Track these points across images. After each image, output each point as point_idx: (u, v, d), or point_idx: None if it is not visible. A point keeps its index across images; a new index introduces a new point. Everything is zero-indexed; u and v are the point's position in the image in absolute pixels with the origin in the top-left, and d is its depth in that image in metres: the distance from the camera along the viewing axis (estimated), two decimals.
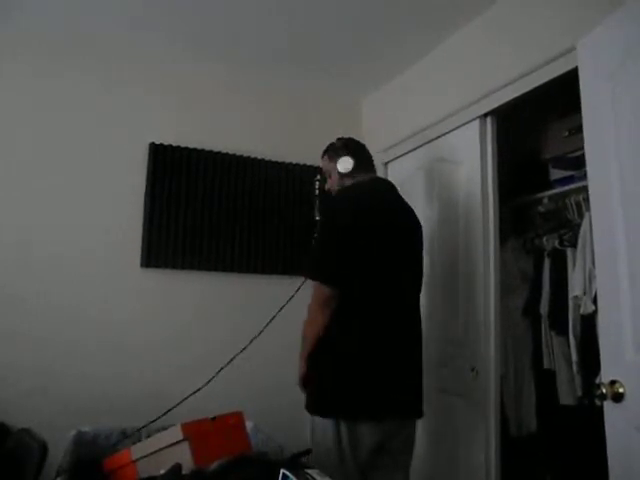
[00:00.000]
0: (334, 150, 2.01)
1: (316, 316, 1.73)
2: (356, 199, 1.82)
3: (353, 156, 1.94)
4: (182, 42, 2.63)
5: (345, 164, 1.93)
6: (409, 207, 1.98)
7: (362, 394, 1.70)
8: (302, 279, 1.92)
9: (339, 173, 1.95)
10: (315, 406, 1.75)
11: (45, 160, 2.55)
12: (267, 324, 1.93)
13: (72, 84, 2.63)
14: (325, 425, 1.69)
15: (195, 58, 2.78)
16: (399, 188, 1.99)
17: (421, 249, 1.97)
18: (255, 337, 1.93)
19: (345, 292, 1.71)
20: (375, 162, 2.08)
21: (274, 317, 1.93)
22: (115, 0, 2.27)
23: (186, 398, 1.79)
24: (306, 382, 1.79)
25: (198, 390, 1.81)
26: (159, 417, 1.70)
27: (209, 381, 1.86)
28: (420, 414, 1.85)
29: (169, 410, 1.73)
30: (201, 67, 2.86)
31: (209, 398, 1.92)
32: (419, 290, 1.95)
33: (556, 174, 2.61)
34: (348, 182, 1.94)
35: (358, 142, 2.06)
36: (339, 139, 2.05)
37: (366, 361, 1.71)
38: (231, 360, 1.91)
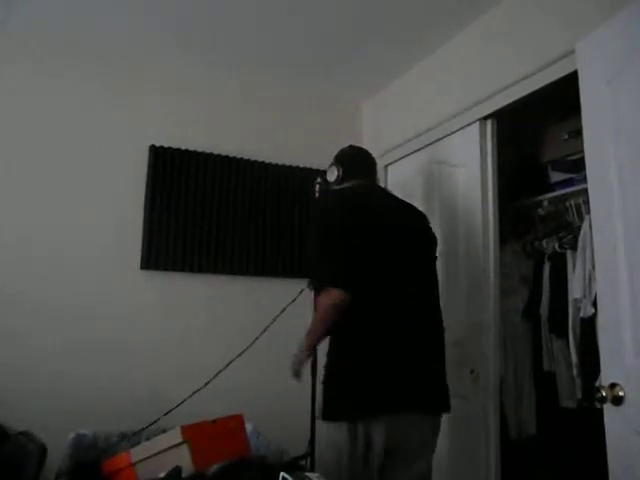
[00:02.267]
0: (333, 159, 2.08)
1: (325, 319, 1.70)
2: (347, 199, 1.88)
3: (342, 165, 2.00)
4: (182, 44, 2.62)
5: (331, 175, 2.03)
6: (414, 208, 2.00)
7: (377, 390, 1.67)
8: (302, 280, 1.91)
9: (330, 182, 2.04)
10: (332, 412, 1.70)
11: (45, 161, 2.55)
12: (263, 331, 1.94)
13: (72, 85, 2.63)
14: (340, 429, 1.67)
15: (195, 60, 2.78)
16: (399, 191, 2.00)
17: (430, 246, 1.95)
18: (252, 343, 1.93)
19: (355, 293, 1.68)
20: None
21: (270, 324, 1.93)
22: (115, 1, 2.27)
23: (184, 401, 1.79)
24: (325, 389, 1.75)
25: (195, 392, 1.81)
26: (157, 419, 1.70)
27: (206, 384, 1.86)
28: (441, 408, 1.80)
29: (167, 412, 1.73)
30: (201, 69, 2.85)
31: (210, 400, 1.92)
32: (434, 286, 1.90)
33: (556, 177, 2.61)
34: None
35: (354, 151, 2.07)
36: (342, 148, 2.08)
37: (379, 358, 1.69)
38: (228, 364, 1.91)
